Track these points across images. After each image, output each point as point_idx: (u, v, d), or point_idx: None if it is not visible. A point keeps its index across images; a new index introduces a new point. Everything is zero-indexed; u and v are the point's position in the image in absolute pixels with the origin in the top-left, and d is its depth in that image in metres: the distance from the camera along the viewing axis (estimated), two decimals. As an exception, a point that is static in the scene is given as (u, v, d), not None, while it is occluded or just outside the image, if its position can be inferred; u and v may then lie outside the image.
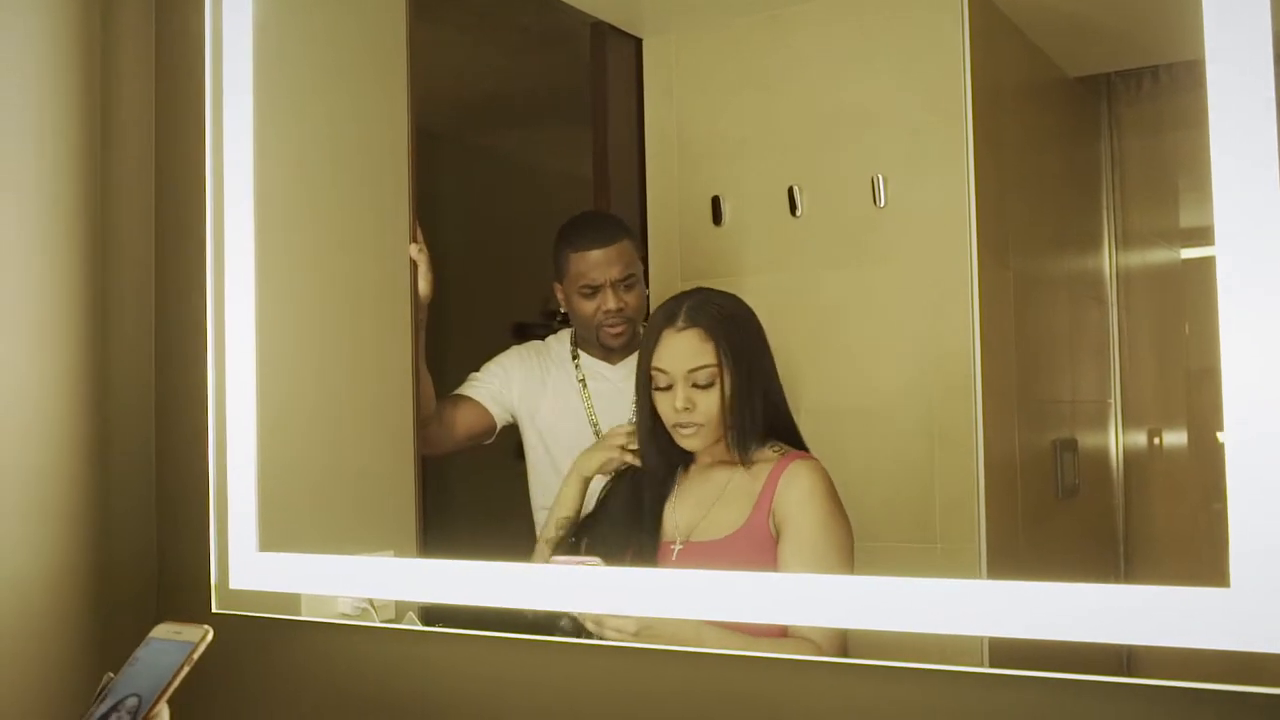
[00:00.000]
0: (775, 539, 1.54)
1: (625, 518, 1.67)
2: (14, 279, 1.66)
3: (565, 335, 1.91)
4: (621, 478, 1.71)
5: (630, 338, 1.84)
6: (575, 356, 1.89)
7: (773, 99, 1.73)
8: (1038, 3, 1.61)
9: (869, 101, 1.66)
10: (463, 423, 1.88)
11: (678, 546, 1.60)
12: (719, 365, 1.60)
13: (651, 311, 1.73)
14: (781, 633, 1.43)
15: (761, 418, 1.60)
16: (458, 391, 1.90)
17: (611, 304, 1.83)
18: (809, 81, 1.70)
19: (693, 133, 1.81)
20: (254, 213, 1.72)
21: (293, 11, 1.79)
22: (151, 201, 1.88)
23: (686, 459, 1.65)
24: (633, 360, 1.83)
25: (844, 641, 1.38)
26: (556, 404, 1.88)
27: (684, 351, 1.62)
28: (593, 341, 1.87)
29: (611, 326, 1.84)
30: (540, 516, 1.86)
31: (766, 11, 1.73)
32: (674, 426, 1.63)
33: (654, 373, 1.63)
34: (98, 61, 1.78)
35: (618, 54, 1.84)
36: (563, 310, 1.89)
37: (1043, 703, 1.19)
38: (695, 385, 1.61)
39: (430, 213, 1.86)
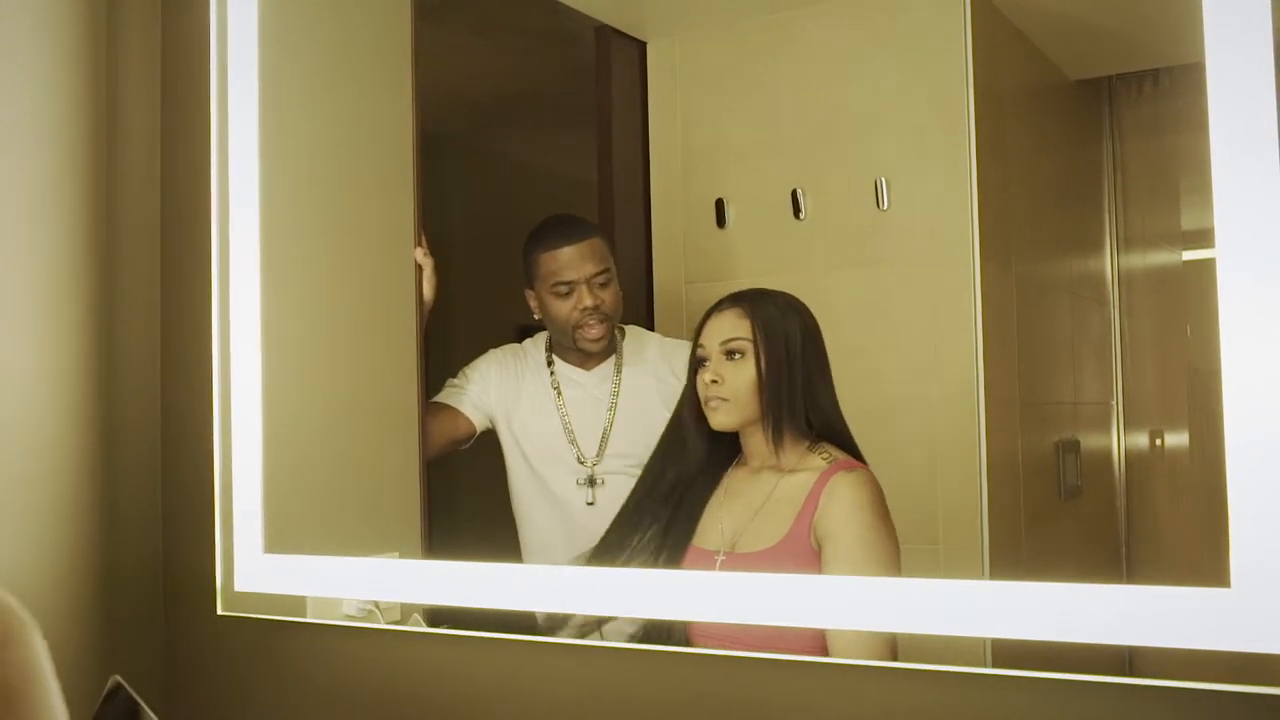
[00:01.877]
0: (818, 553, 1.51)
1: (666, 515, 1.66)
2: (20, 281, 1.67)
3: (541, 340, 1.90)
4: (662, 466, 1.69)
5: (608, 339, 1.84)
6: (550, 363, 1.88)
7: (776, 102, 1.74)
8: (1040, 7, 1.61)
9: (872, 105, 1.66)
10: (442, 431, 1.88)
11: (721, 556, 1.58)
12: (752, 340, 1.59)
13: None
14: (822, 647, 1.39)
15: (802, 404, 1.58)
16: (436, 399, 1.89)
17: (588, 301, 1.82)
18: (812, 85, 1.71)
19: (696, 136, 1.81)
20: (259, 215, 1.72)
21: (298, 14, 1.79)
22: (157, 204, 1.88)
23: (734, 455, 1.63)
24: (608, 366, 1.83)
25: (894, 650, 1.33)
26: (532, 410, 1.88)
27: (720, 327, 1.61)
28: (569, 345, 1.86)
29: (589, 326, 1.83)
30: (521, 520, 1.86)
31: (770, 15, 1.73)
32: (705, 402, 1.61)
33: (697, 350, 1.63)
34: (103, 63, 1.79)
35: (622, 57, 1.85)
36: (537, 317, 1.89)
37: (1045, 703, 1.20)
38: (726, 356, 1.60)
39: (434, 215, 1.87)
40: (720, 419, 1.61)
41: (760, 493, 1.59)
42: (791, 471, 1.57)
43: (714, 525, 1.61)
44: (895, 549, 1.50)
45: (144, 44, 1.88)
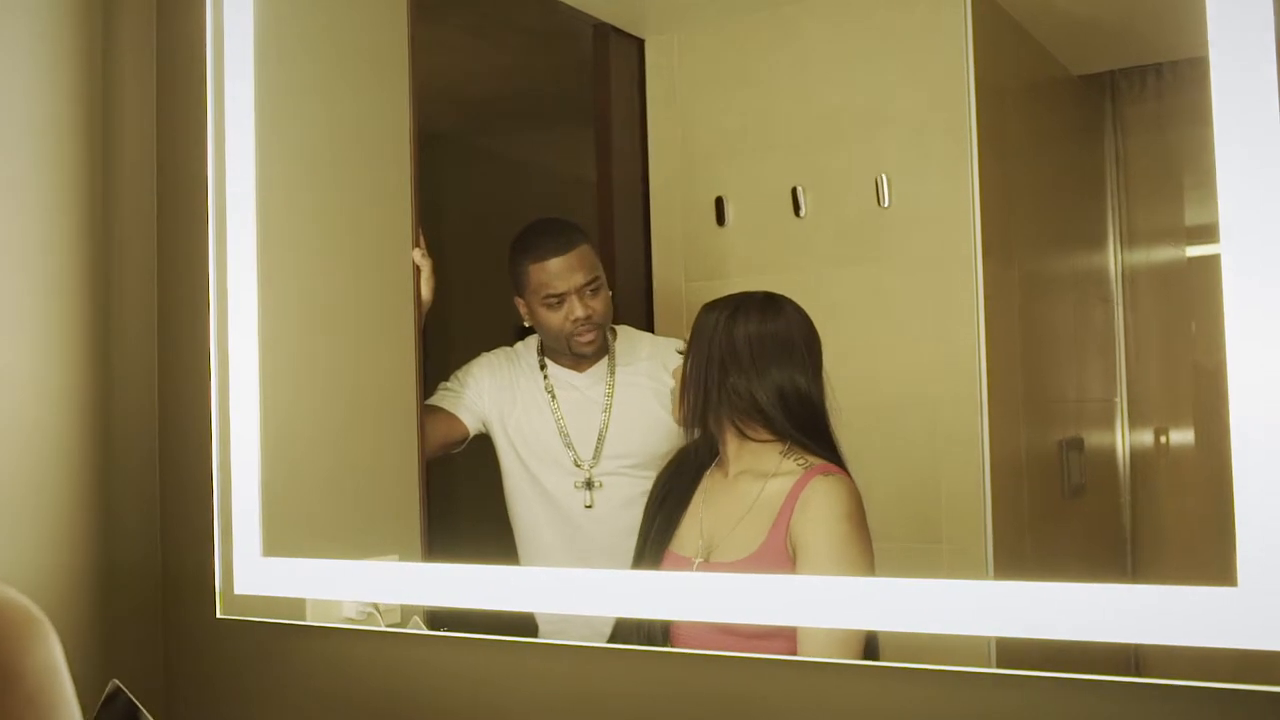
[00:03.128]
0: (794, 559, 1.51)
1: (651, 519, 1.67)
2: (17, 284, 1.66)
3: (533, 343, 1.89)
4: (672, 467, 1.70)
5: (601, 343, 1.83)
6: (543, 366, 1.87)
7: (775, 99, 1.73)
8: (1041, 2, 1.60)
9: (872, 101, 1.66)
10: (435, 434, 1.87)
11: (698, 562, 1.58)
12: (686, 345, 1.63)
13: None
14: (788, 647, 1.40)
15: (719, 406, 1.59)
16: (429, 402, 1.88)
17: (579, 312, 1.81)
18: (812, 81, 1.70)
19: (696, 133, 1.81)
20: (256, 216, 1.72)
21: (294, 13, 1.79)
22: (153, 206, 1.87)
23: (713, 457, 1.64)
24: (600, 367, 1.83)
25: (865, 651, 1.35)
26: (527, 413, 1.87)
27: None
28: (562, 351, 1.85)
29: (582, 335, 1.82)
30: (517, 523, 1.86)
31: (769, 11, 1.73)
32: None
33: None
34: (99, 64, 1.78)
35: (620, 55, 1.84)
36: (526, 324, 1.88)
37: (1050, 703, 1.19)
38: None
39: (432, 214, 1.86)
40: (673, 413, 1.66)
41: (735, 500, 1.59)
42: (768, 477, 1.56)
43: (692, 530, 1.61)
44: (869, 556, 1.49)
45: (139, 45, 1.87)
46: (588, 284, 1.81)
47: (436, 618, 1.62)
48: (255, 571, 1.70)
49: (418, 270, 1.83)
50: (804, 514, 1.52)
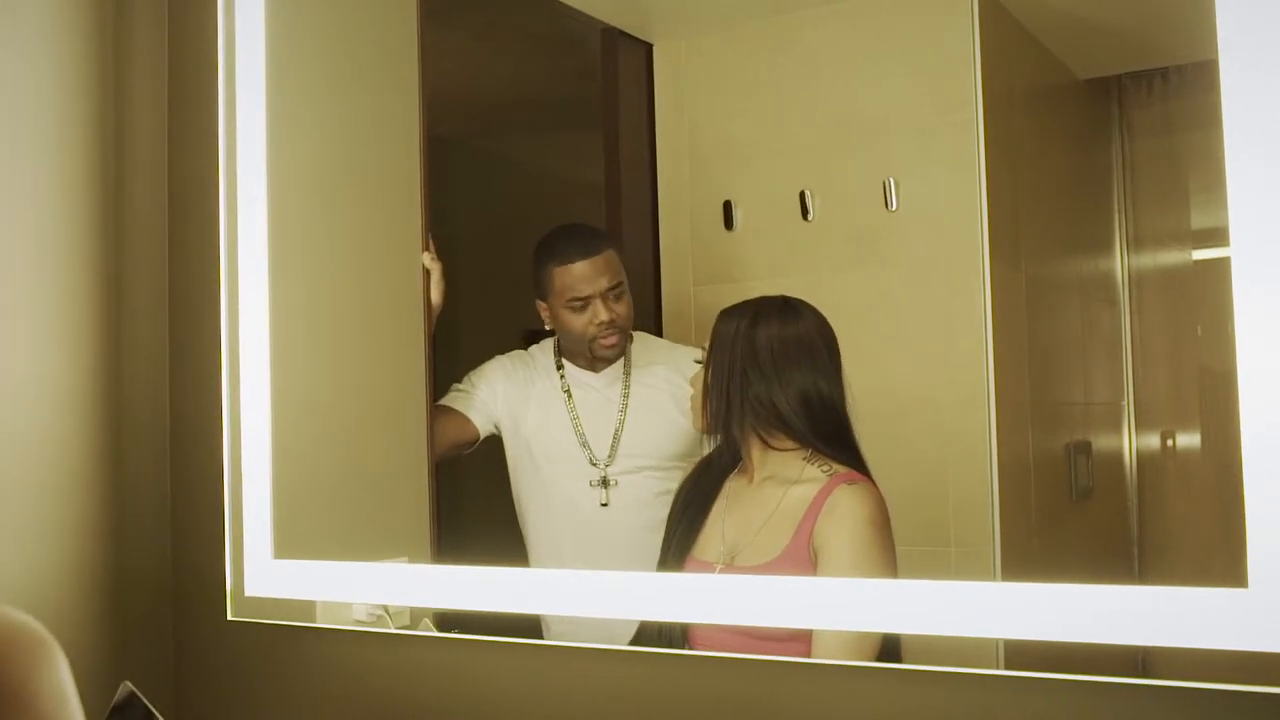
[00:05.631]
0: (815, 566, 1.50)
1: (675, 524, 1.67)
2: (28, 289, 1.67)
3: (548, 345, 1.90)
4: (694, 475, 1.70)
5: (622, 348, 1.84)
6: (560, 367, 1.88)
7: (784, 103, 1.74)
8: (1048, 6, 1.61)
9: (880, 105, 1.66)
10: (445, 434, 1.87)
11: (719, 568, 1.58)
12: (705, 352, 1.62)
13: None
14: (806, 650, 1.40)
15: (741, 414, 1.58)
16: (442, 402, 1.89)
17: (603, 315, 1.81)
18: (820, 86, 1.71)
19: (704, 137, 1.81)
20: (267, 221, 1.73)
21: (304, 19, 1.79)
22: (165, 210, 1.88)
23: (735, 463, 1.63)
24: (616, 368, 1.83)
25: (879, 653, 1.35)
26: (542, 414, 1.87)
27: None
28: (583, 354, 1.86)
29: (605, 338, 1.82)
30: (528, 524, 1.86)
31: (777, 16, 1.73)
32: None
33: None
34: (111, 70, 1.79)
35: (628, 59, 1.85)
36: (548, 327, 1.88)
37: (1058, 705, 1.19)
38: (698, 363, 1.64)
39: (441, 219, 1.87)
40: (694, 421, 1.65)
41: (759, 505, 1.58)
42: (791, 483, 1.56)
43: (714, 535, 1.61)
44: (891, 565, 1.49)
45: (151, 51, 1.87)
46: (612, 288, 1.81)
47: (446, 619, 1.63)
48: (266, 574, 1.70)
49: (427, 274, 1.83)
50: (828, 520, 1.51)
